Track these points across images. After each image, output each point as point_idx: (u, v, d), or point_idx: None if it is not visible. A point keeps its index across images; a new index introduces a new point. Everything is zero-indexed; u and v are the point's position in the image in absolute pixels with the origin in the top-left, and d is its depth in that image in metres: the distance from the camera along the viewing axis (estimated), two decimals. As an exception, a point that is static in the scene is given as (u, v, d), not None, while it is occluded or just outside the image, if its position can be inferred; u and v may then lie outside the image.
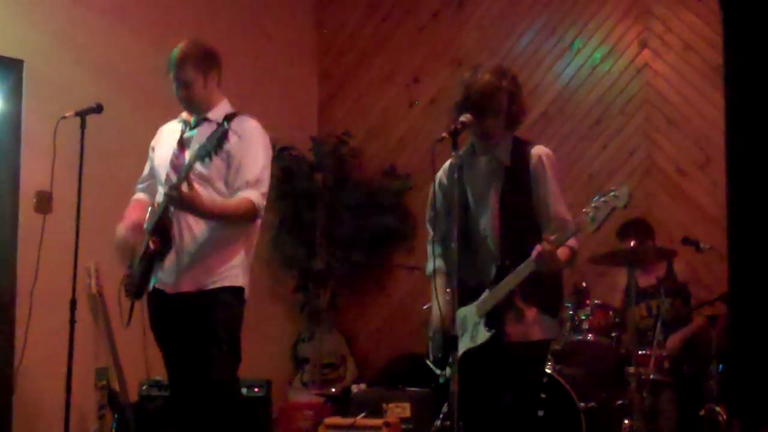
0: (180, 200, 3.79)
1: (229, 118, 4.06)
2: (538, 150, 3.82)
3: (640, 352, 5.33)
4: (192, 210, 3.90)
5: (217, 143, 3.73)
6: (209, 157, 3.76)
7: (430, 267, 3.99)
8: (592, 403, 5.21)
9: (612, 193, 3.42)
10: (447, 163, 3.94)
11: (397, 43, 7.67)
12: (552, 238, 3.52)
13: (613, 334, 5.55)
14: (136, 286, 4.12)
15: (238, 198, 3.98)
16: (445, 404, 5.24)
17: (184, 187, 3.75)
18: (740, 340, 2.89)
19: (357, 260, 7.42)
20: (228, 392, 4.07)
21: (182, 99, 4.15)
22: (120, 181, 6.14)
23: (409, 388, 6.25)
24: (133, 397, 5.74)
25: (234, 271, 4.08)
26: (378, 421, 5.50)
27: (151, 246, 3.99)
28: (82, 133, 4.44)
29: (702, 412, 5.24)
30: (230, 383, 4.10)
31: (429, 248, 4.06)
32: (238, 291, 4.10)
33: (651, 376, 5.29)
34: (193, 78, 4.07)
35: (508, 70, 3.87)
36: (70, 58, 6.08)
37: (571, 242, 3.68)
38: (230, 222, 4.03)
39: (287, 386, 7.27)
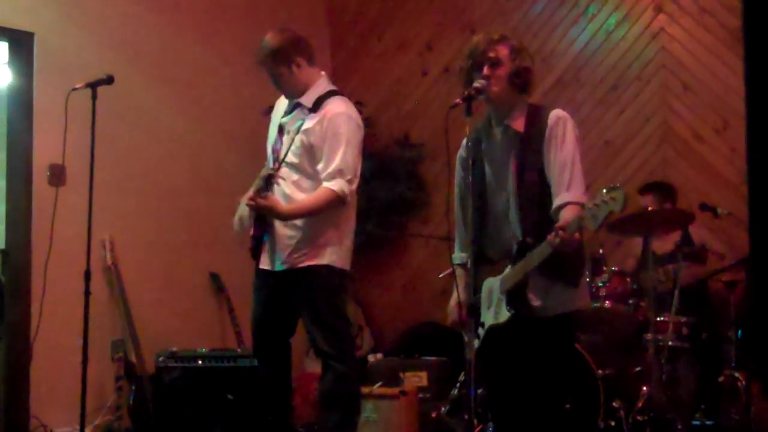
0: (258, 211, 4.26)
1: (319, 101, 4.33)
2: (556, 113, 3.66)
3: (658, 319, 5.29)
4: (273, 216, 4.28)
5: (265, 186, 4.21)
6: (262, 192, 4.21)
7: (455, 257, 3.96)
8: (610, 370, 5.19)
9: (609, 195, 3.21)
10: (465, 140, 3.76)
11: (409, 11, 7.60)
12: (561, 226, 3.37)
13: (631, 301, 5.52)
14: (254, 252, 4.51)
15: (318, 192, 4.25)
16: (462, 373, 5.22)
17: (261, 200, 4.16)
18: (760, 304, 2.85)
19: (372, 230, 7.38)
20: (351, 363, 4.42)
21: (278, 89, 4.45)
22: (132, 152, 6.15)
23: (425, 358, 6.25)
24: (150, 368, 5.75)
25: (320, 251, 4.32)
26: (395, 391, 5.50)
27: (252, 232, 4.42)
28: (94, 105, 4.43)
29: (721, 379, 5.21)
30: (340, 355, 4.36)
31: (456, 234, 4.01)
32: (328, 269, 4.33)
33: (669, 343, 5.26)
34: (278, 72, 4.36)
35: (510, 36, 3.78)
36: (80, 30, 6.04)
37: (580, 198, 3.56)
38: (315, 214, 4.29)
39: (303, 356, 7.27)
